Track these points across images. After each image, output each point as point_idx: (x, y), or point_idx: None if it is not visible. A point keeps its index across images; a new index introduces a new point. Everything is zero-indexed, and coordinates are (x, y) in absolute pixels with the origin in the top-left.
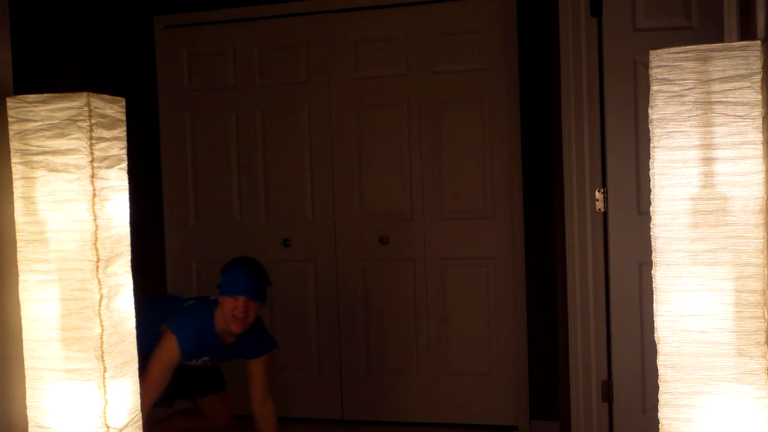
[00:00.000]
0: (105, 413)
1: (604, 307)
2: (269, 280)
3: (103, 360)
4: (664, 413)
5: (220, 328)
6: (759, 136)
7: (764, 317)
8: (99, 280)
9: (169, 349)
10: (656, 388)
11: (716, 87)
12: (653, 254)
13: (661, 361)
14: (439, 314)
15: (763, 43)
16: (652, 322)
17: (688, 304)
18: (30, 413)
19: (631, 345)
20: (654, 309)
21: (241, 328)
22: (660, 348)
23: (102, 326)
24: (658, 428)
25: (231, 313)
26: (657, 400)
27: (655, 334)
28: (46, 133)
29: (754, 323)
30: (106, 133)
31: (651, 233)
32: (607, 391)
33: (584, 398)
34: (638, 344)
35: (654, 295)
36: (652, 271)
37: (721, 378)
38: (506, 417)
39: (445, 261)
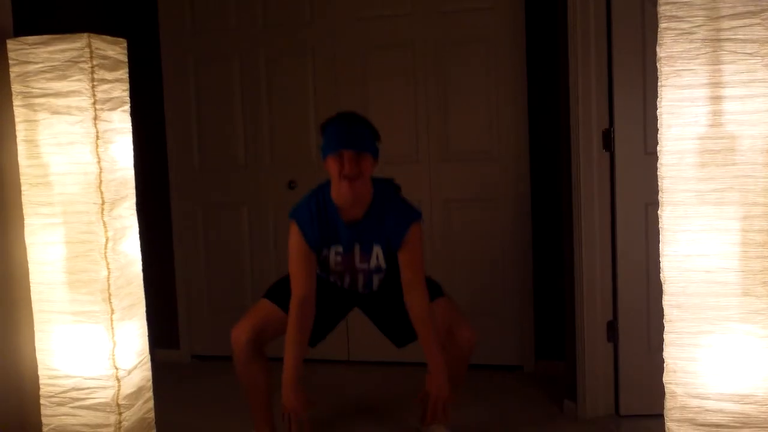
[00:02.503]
0: (114, 355)
1: (610, 248)
2: (377, 133)
3: (110, 302)
4: (669, 352)
5: (339, 203)
6: None
7: None
8: (104, 223)
9: (294, 237)
10: (662, 328)
11: (725, 24)
12: (660, 194)
13: (667, 301)
14: (444, 255)
15: None
16: (658, 262)
17: (695, 244)
18: (39, 356)
19: (637, 286)
20: (660, 249)
21: (353, 192)
22: (666, 288)
23: (108, 269)
24: (663, 368)
25: (338, 176)
26: (662, 341)
27: (661, 275)
28: (48, 75)
29: (760, 263)
30: (108, 75)
31: (658, 173)
32: (612, 332)
33: (589, 338)
34: (644, 285)
35: (660, 236)
36: (659, 211)
37: (726, 317)
38: (512, 357)
39: (451, 203)
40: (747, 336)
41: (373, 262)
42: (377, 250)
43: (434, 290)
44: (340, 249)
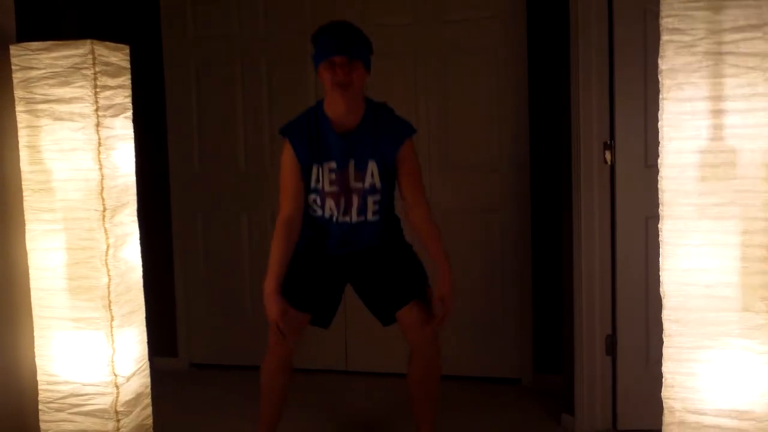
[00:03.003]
0: (113, 362)
1: (610, 261)
2: (370, 44)
3: (110, 309)
4: (668, 367)
5: (332, 115)
6: None
7: None
8: (105, 230)
9: (285, 153)
10: (660, 342)
11: (727, 38)
12: (660, 208)
13: (666, 315)
14: None
15: None
16: (658, 276)
17: (695, 258)
18: (38, 361)
19: (636, 299)
20: (660, 263)
21: (345, 101)
22: (665, 302)
23: (109, 275)
24: (661, 382)
25: (330, 83)
26: (661, 355)
27: (660, 288)
28: (50, 81)
29: (760, 278)
30: (110, 81)
31: (658, 186)
32: (611, 345)
33: (588, 352)
34: (643, 299)
35: (660, 249)
36: (659, 225)
37: (725, 333)
38: (510, 370)
39: (451, 213)
40: (746, 352)
41: (367, 180)
42: (372, 167)
43: (419, 285)
44: (334, 165)
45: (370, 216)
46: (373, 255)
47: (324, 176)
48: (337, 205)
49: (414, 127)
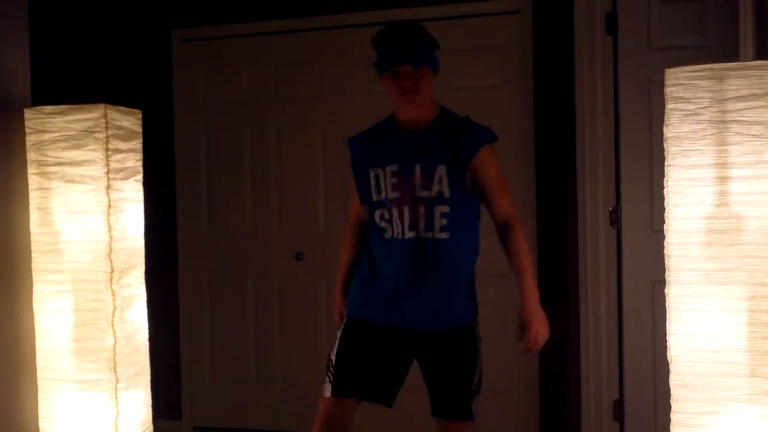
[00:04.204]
0: (116, 425)
1: (617, 326)
2: (435, 41)
3: (115, 371)
4: None
5: (400, 116)
6: None
7: None
8: (113, 292)
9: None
10: (668, 407)
11: (731, 106)
12: (666, 273)
13: (674, 380)
14: None
15: None
16: (665, 341)
17: (702, 323)
18: (42, 423)
19: (644, 364)
20: (667, 328)
21: (415, 109)
22: (672, 367)
23: (115, 337)
24: None
25: (396, 95)
26: (669, 420)
27: (667, 353)
28: (63, 144)
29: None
30: (122, 145)
31: (665, 251)
32: (618, 411)
33: (595, 417)
34: (650, 363)
35: (667, 314)
36: (666, 290)
37: (733, 398)
38: None
39: None
40: (755, 417)
41: (435, 188)
42: (441, 172)
43: (465, 406)
44: (396, 167)
45: (437, 232)
46: (442, 345)
47: (386, 181)
48: (401, 217)
49: (495, 134)
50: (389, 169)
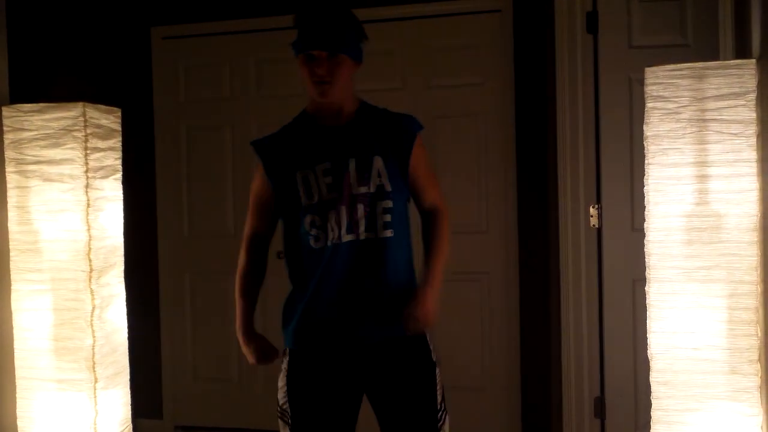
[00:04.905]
0: (95, 424)
1: (598, 324)
2: (361, 28)
3: (94, 371)
4: (657, 429)
5: (315, 109)
6: (753, 154)
7: (757, 335)
8: (92, 291)
9: (256, 174)
10: (649, 404)
11: (711, 105)
12: (647, 271)
13: (654, 377)
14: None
15: (758, 61)
16: (646, 338)
17: (682, 320)
18: (20, 423)
19: (624, 361)
20: (647, 325)
21: (326, 99)
22: (653, 364)
23: (94, 337)
24: None
25: (309, 80)
26: (649, 417)
27: (648, 351)
28: (42, 143)
29: (747, 341)
30: (101, 144)
31: (645, 250)
32: (599, 408)
33: (577, 414)
34: (631, 361)
35: (647, 312)
36: (646, 288)
37: (713, 395)
38: None
39: None
40: (734, 414)
41: (374, 182)
42: (378, 164)
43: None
44: (328, 165)
45: (381, 231)
46: (393, 364)
47: (319, 182)
48: (339, 219)
49: (419, 122)
50: (320, 168)
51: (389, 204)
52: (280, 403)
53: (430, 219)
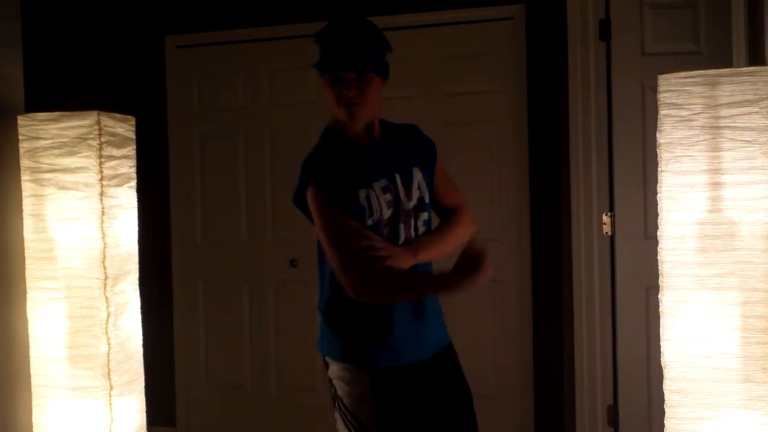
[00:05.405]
0: (111, 431)
1: (611, 331)
2: (387, 43)
3: (109, 378)
4: None
5: (340, 128)
6: (767, 162)
7: None
8: (107, 298)
9: (312, 197)
10: (662, 413)
11: (724, 112)
12: (660, 278)
13: (668, 385)
14: None
15: None
16: (659, 346)
17: (695, 328)
18: (35, 430)
19: (638, 369)
20: (660, 333)
21: (353, 117)
22: (666, 373)
23: (109, 344)
24: None
25: (336, 103)
26: (663, 426)
27: (661, 359)
28: (56, 151)
29: (761, 349)
30: (115, 152)
31: (658, 257)
32: (613, 416)
33: (590, 423)
34: (644, 369)
35: (660, 320)
36: (659, 296)
37: (727, 404)
38: None
39: None
40: (748, 422)
41: (415, 195)
42: (418, 176)
43: None
44: (385, 182)
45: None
46: (450, 367)
47: (379, 200)
48: (397, 236)
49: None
50: (377, 185)
51: (426, 216)
52: (362, 421)
53: (451, 214)
